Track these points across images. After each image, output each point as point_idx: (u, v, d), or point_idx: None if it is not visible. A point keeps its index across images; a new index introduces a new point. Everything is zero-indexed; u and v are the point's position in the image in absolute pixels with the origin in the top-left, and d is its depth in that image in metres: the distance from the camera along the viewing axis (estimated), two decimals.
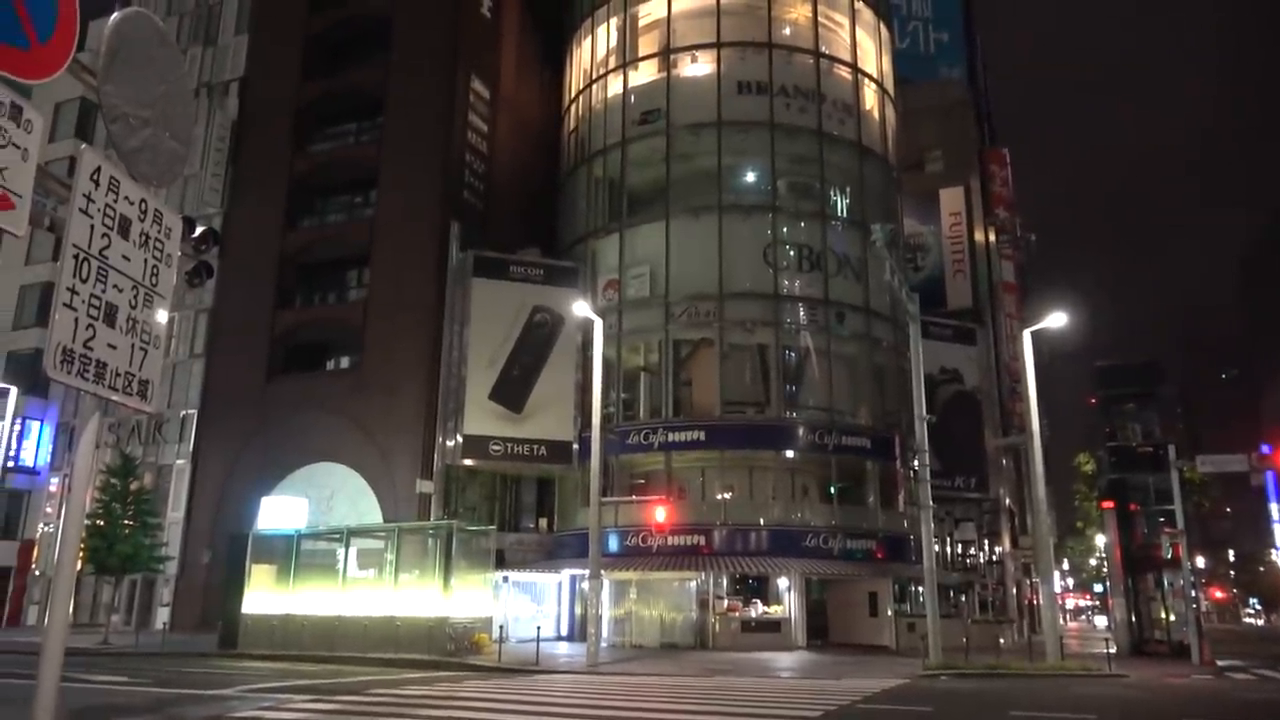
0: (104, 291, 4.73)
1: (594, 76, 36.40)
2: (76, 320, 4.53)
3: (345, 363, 35.65)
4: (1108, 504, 30.68)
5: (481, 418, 31.13)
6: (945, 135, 45.58)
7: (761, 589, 29.94)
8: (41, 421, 40.14)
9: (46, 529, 38.88)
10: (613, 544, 29.12)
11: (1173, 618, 28.67)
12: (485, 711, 12.15)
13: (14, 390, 31.72)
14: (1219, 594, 75.62)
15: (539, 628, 23.39)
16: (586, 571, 23.18)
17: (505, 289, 32.49)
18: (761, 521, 29.55)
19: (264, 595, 24.60)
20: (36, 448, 39.92)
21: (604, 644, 25.30)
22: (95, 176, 4.70)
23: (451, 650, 21.50)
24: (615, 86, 35.42)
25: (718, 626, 27.49)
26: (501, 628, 23.32)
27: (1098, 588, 76.15)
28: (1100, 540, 44.16)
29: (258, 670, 18.96)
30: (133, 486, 29.58)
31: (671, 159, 33.19)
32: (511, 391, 31.61)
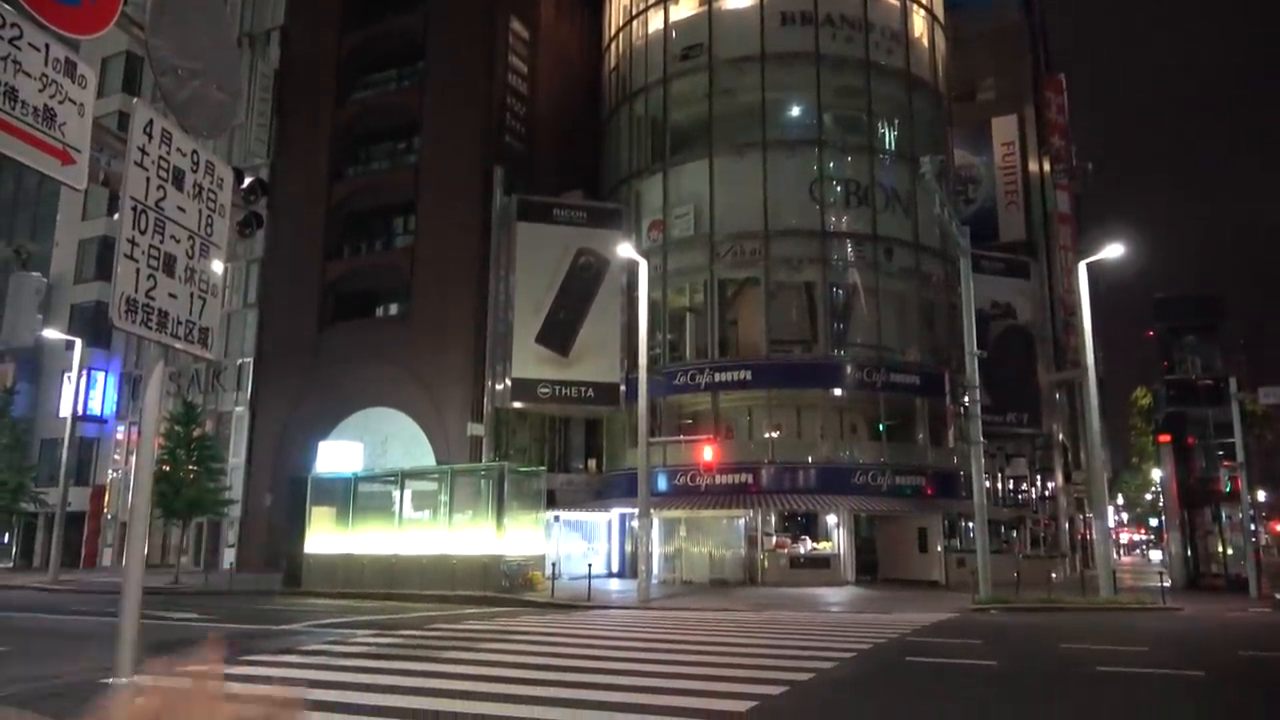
0: (162, 242, 4.85)
1: (634, 13, 35.71)
2: (138, 271, 4.66)
3: (394, 309, 36.11)
4: (1165, 438, 30.17)
5: (529, 361, 31.43)
6: (998, 62, 44.04)
7: (810, 526, 30.14)
8: (106, 372, 41.45)
9: (115, 475, 40.41)
10: (661, 483, 29.44)
11: (1230, 552, 28.29)
12: (543, 644, 12.51)
13: (79, 342, 32.70)
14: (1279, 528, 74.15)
15: (590, 565, 23.84)
16: (636, 510, 23.53)
17: (549, 232, 32.49)
18: (810, 459, 29.60)
19: (325, 536, 25.40)
20: (103, 397, 41.31)
21: (654, 580, 25.78)
22: (148, 130, 4.78)
23: (506, 587, 22.09)
24: (656, 22, 34.74)
25: (767, 563, 27.81)
26: (554, 565, 23.84)
27: (1153, 522, 75.20)
28: (1156, 474, 43.51)
29: (322, 607, 19.69)
30: (195, 433, 30.51)
31: (714, 95, 32.61)
32: (558, 335, 31.82)
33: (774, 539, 28.70)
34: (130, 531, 5.02)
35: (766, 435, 30.05)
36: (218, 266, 5.36)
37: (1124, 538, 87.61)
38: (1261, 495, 31.84)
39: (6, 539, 42.15)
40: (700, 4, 33.91)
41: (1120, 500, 79.43)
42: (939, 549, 28.88)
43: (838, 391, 30.55)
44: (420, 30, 36.53)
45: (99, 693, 7.44)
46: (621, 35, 36.33)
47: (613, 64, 37.00)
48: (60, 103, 4.23)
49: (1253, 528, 27.07)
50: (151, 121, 4.81)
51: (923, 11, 34.96)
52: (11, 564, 40.50)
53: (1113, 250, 22.76)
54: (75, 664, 10.16)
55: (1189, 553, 29.06)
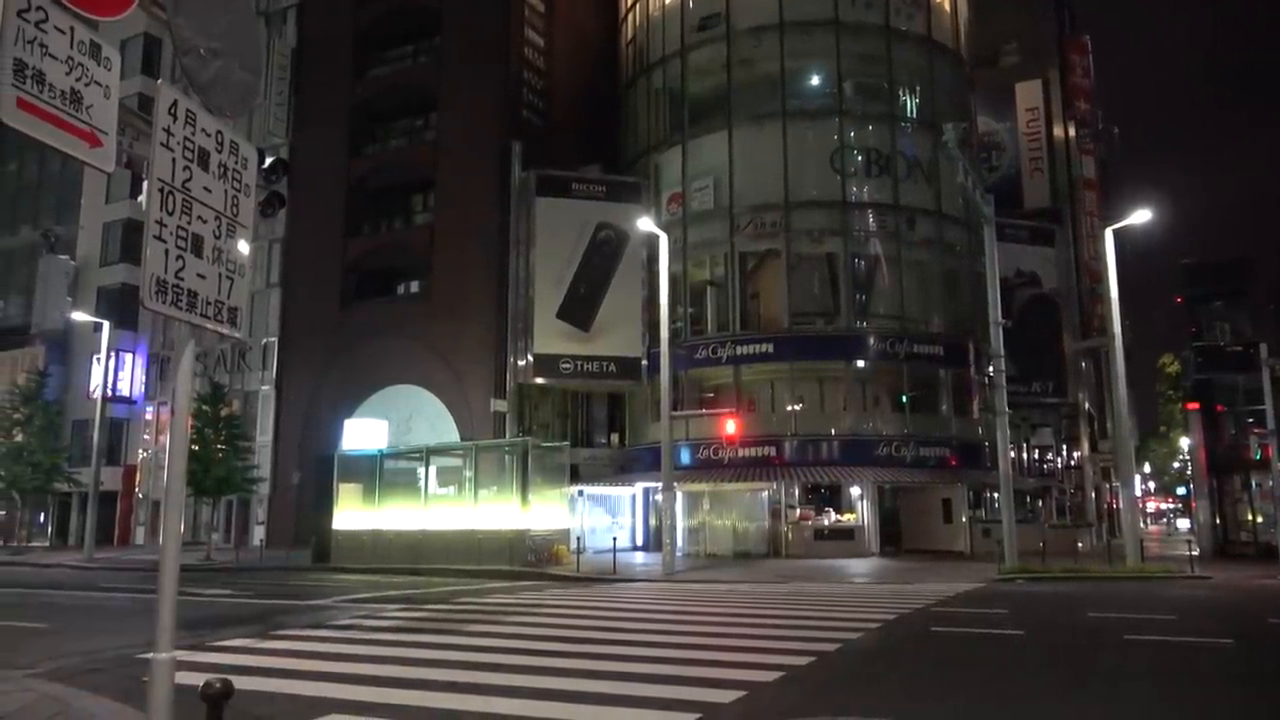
0: (189, 223, 4.88)
1: None
2: (167, 252, 4.69)
3: (415, 287, 36.22)
4: (1193, 405, 29.87)
5: (551, 337, 31.49)
6: (1021, 25, 43.17)
7: (834, 498, 30.12)
8: (134, 353, 41.97)
9: (145, 455, 41.02)
10: (684, 457, 29.49)
11: (1260, 520, 28.04)
12: (570, 617, 12.63)
13: (107, 324, 33.10)
14: None
15: (615, 539, 24.06)
16: (659, 484, 23.61)
17: (568, 207, 32.41)
18: (833, 431, 29.54)
19: (352, 512, 25.73)
20: (131, 378, 41.87)
21: (679, 553, 25.93)
22: (173, 110, 4.80)
23: (532, 561, 22.30)
24: None
25: (790, 535, 27.86)
26: (579, 539, 24.05)
27: (1180, 491, 74.61)
28: (1184, 442, 43.12)
29: (351, 582, 19.97)
30: (222, 412, 30.87)
31: (732, 65, 32.25)
32: (579, 310, 31.83)
33: (797, 511, 28.73)
34: (166, 509, 5.09)
35: (789, 408, 29.99)
36: (244, 246, 5.40)
37: (1150, 506, 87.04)
38: None
39: (42, 519, 43.00)
40: None
41: (1147, 468, 78.82)
42: (963, 519, 28.82)
43: (860, 363, 30.41)
44: (436, 5, 36.34)
45: (138, 668, 7.60)
46: (638, 6, 35.96)
47: (629, 36, 36.67)
48: (86, 85, 4.25)
49: None
50: (176, 102, 4.83)
51: None
52: (48, 543, 41.33)
53: (1140, 216, 22.42)
54: (113, 640, 10.37)
55: (1217, 521, 28.84)
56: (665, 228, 26.51)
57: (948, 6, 34.34)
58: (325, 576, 22.22)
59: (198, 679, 4.53)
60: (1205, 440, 28.97)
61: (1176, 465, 69.99)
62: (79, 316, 37.94)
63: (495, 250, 32.61)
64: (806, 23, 31.72)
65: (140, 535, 40.53)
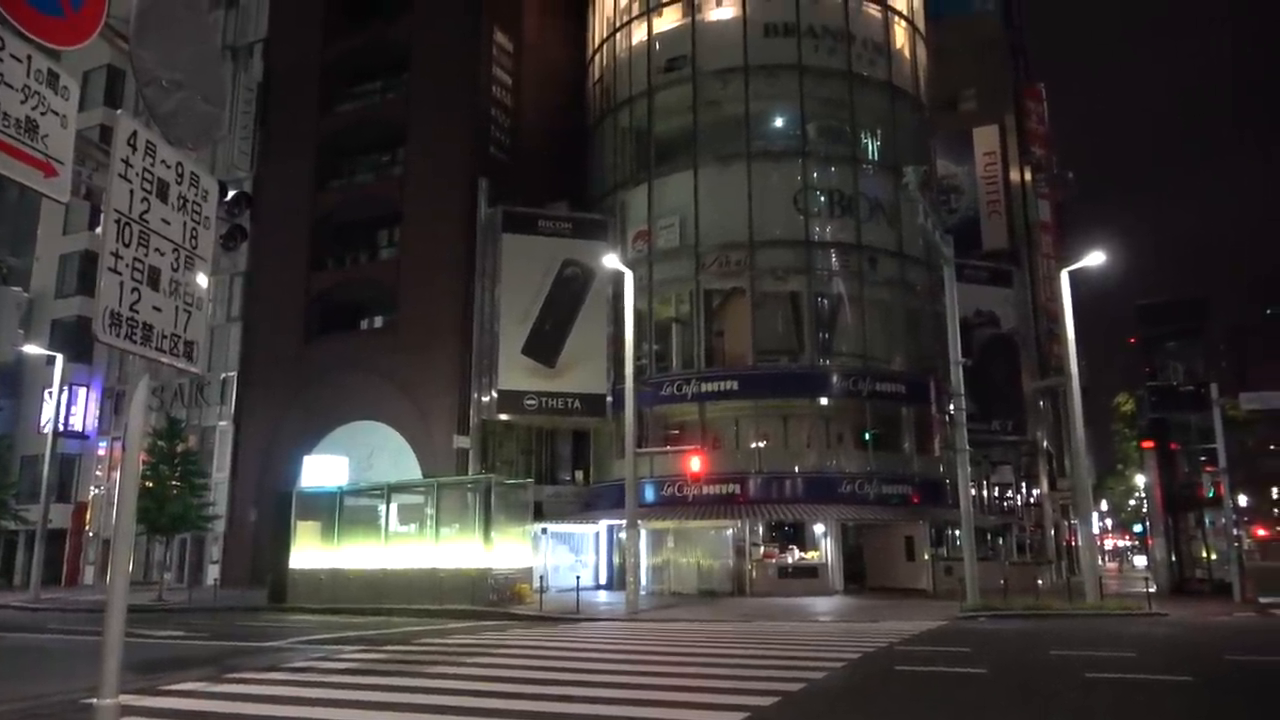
0: (146, 255, 4.80)
1: (617, 25, 35.83)
2: (122, 284, 4.61)
3: (380, 322, 35.93)
4: (1148, 444, 30.32)
5: (516, 373, 31.34)
6: (979, 72, 44.41)
7: (798, 535, 30.12)
8: (87, 387, 41.06)
9: (97, 491, 39.98)
10: (649, 494, 29.38)
11: (1214, 556, 28.43)
12: (531, 657, 12.43)
13: (60, 358, 32.37)
14: (1262, 532, 74.55)
15: (578, 577, 23.78)
16: (624, 521, 23.46)
17: (535, 244, 32.45)
18: (797, 469, 29.62)
19: (310, 551, 25.20)
20: (84, 413, 40.90)
21: (643, 592, 25.70)
22: (132, 141, 4.74)
23: (494, 601, 21.97)
24: (639, 34, 34.85)
25: (755, 573, 27.77)
26: (542, 578, 23.74)
27: (1137, 528, 75.51)
28: (1140, 480, 43.78)
29: (308, 623, 19.50)
30: (178, 448, 30.22)
31: (698, 106, 32.71)
32: (544, 346, 31.76)
33: (762, 549, 28.66)
34: (115, 548, 4.95)
35: (753, 445, 30.06)
36: (203, 279, 5.32)
37: (1108, 544, 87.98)
38: (1244, 500, 32.06)
39: None
40: (683, 16, 34.04)
41: (1105, 506, 79.85)
42: (926, 557, 28.93)
43: (824, 400, 30.61)
44: (404, 41, 36.52)
45: (85, 714, 7.33)
46: (605, 47, 36.42)
47: (597, 76, 37.07)
48: (42, 114, 4.19)
49: (1235, 532, 27.24)
50: (135, 133, 4.77)
51: (904, 23, 35.22)
52: None
53: (1094, 258, 22.94)
54: (61, 684, 10.00)
55: (1173, 558, 29.19)
56: (631, 265, 26.64)
57: (908, 53, 35.20)
58: (282, 617, 21.69)
59: None
60: (1160, 478, 29.37)
61: (1133, 503, 70.91)
62: (31, 349, 37.08)
63: (461, 285, 32.52)
64: (771, 66, 32.32)
65: (89, 575, 39.35)
